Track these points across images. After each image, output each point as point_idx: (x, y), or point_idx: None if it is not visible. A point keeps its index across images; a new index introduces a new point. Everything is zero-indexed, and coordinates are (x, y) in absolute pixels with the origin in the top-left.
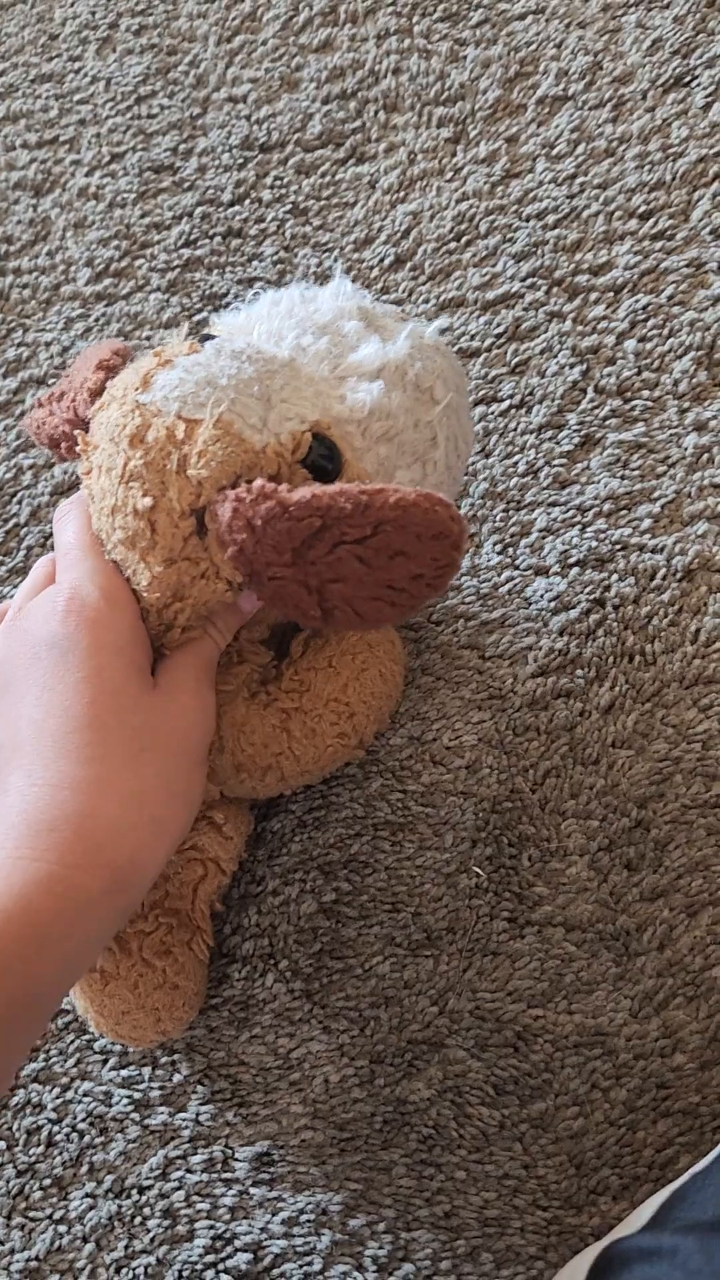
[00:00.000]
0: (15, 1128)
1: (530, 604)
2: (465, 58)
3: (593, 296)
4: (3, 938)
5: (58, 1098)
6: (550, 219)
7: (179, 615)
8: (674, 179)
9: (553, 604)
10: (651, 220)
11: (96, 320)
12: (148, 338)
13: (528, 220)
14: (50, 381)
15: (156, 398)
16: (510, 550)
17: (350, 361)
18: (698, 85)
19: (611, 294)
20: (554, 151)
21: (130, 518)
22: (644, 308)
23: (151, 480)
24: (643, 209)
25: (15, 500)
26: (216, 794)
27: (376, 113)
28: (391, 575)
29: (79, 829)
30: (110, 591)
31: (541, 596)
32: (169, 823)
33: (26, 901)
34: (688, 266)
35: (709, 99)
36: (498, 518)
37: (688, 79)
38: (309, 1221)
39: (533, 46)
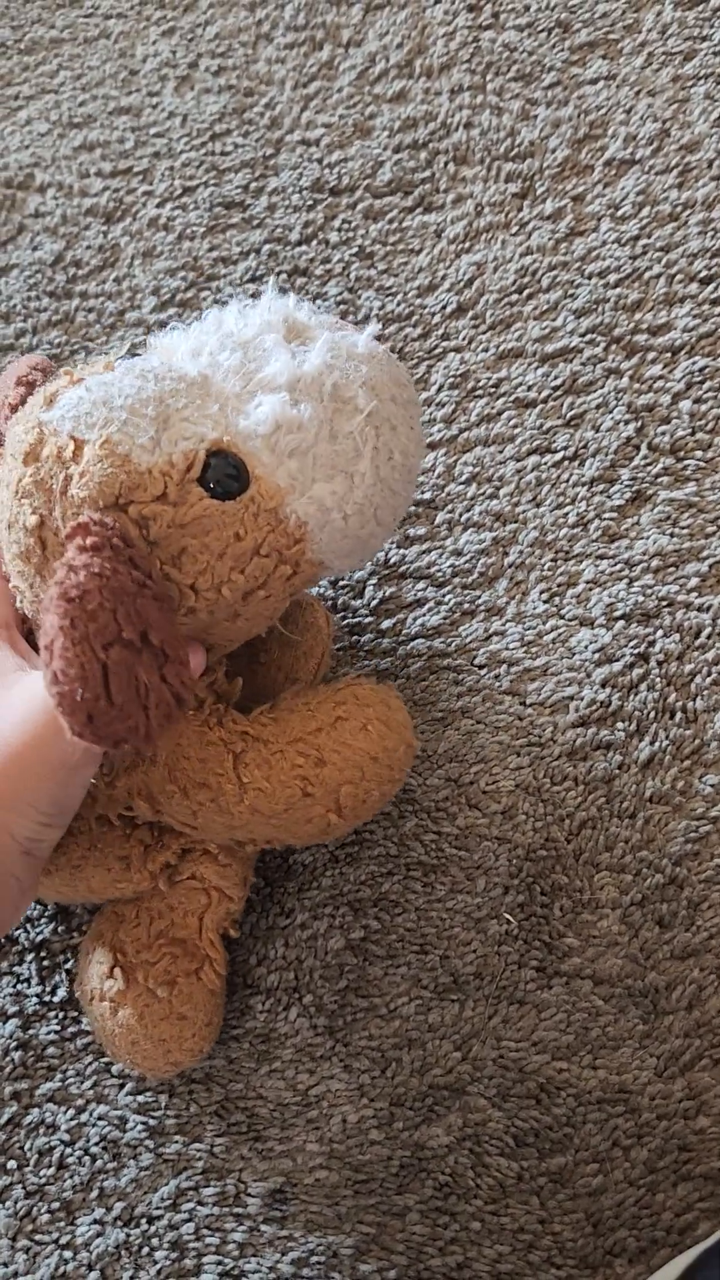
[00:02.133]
0: (27, 1147)
1: (574, 654)
2: (536, 117)
3: (650, 356)
4: None
5: (72, 1119)
6: (612, 278)
7: None
8: None
9: (596, 655)
10: (712, 285)
11: (131, 348)
12: None
13: (590, 278)
14: None
15: (55, 416)
16: (556, 600)
17: (261, 376)
18: None
19: (669, 354)
20: (619, 213)
21: (22, 533)
22: (701, 370)
23: (40, 498)
24: (704, 274)
25: None
26: (149, 811)
27: (446, 164)
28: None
29: None
30: None
31: (586, 647)
32: (12, 825)
33: None
34: None
35: None
36: (546, 566)
37: None
38: (319, 1264)
39: (603, 110)
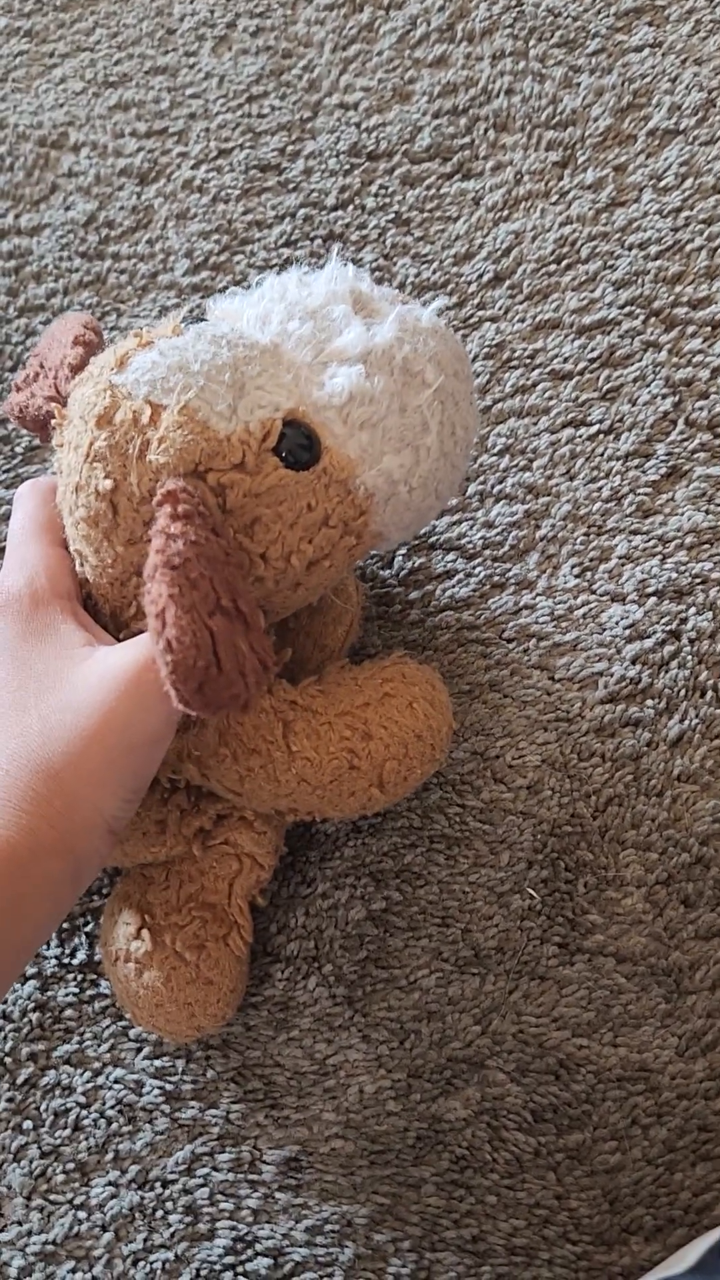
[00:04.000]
0: (43, 1108)
1: (604, 630)
2: (579, 84)
3: (690, 330)
4: None
5: (89, 1082)
6: (653, 250)
7: (139, 590)
8: None
9: (627, 632)
10: None
11: (191, 311)
12: None
13: (630, 249)
14: None
15: (129, 380)
16: (588, 574)
17: (334, 346)
18: None
19: (709, 329)
20: (661, 184)
21: (93, 497)
22: None
23: (114, 463)
24: None
25: None
26: (196, 775)
27: (486, 131)
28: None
29: None
30: (34, 579)
31: (617, 623)
32: (86, 798)
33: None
34: None
35: None
36: (578, 541)
37: None
38: (333, 1232)
39: (647, 79)
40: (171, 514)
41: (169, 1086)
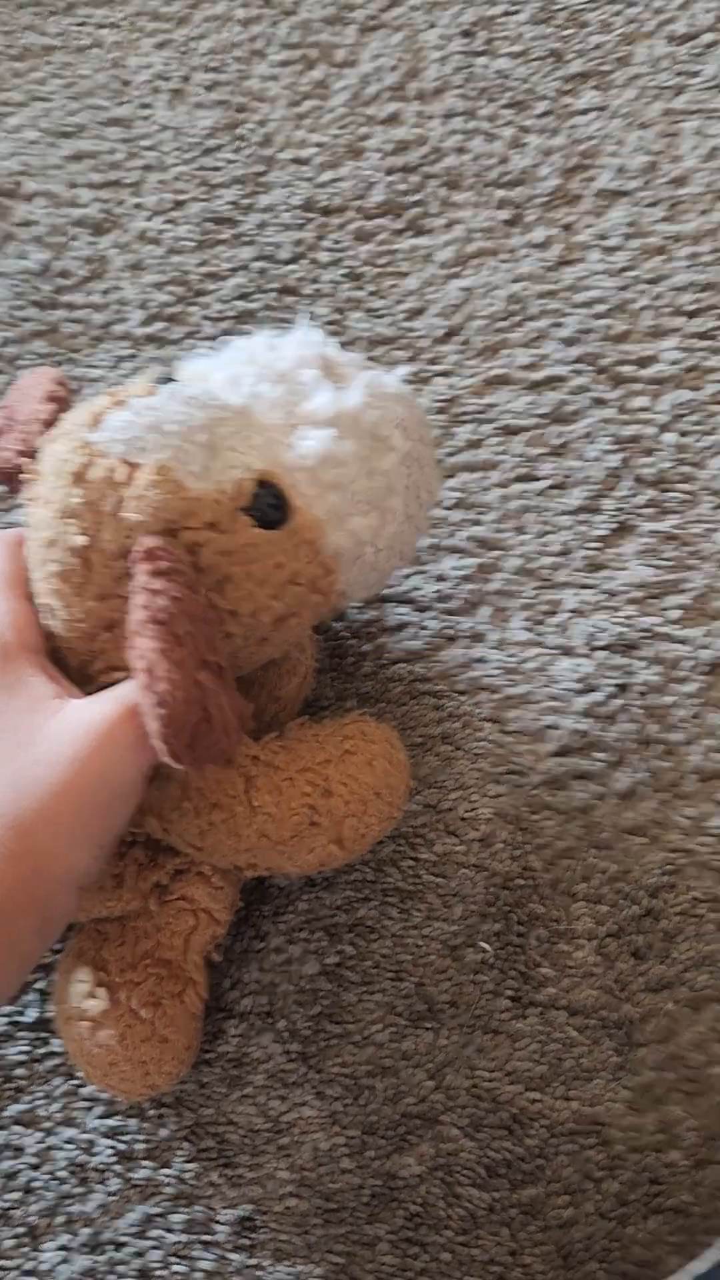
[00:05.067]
0: None
1: (555, 683)
2: (528, 145)
3: (636, 387)
4: None
5: (40, 1142)
6: (600, 308)
7: (108, 644)
8: None
9: (577, 685)
10: (698, 319)
11: (145, 361)
12: None
13: (577, 307)
14: None
15: (103, 438)
16: (539, 628)
17: (304, 410)
18: None
19: (655, 386)
20: (608, 243)
21: (66, 553)
22: (685, 403)
23: (88, 519)
24: (690, 307)
25: None
26: (157, 829)
27: (437, 188)
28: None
29: None
30: (2, 636)
31: (567, 676)
32: (58, 854)
33: None
34: None
35: None
36: (529, 594)
37: None
38: None
39: (594, 141)
40: (153, 571)
41: (121, 1146)
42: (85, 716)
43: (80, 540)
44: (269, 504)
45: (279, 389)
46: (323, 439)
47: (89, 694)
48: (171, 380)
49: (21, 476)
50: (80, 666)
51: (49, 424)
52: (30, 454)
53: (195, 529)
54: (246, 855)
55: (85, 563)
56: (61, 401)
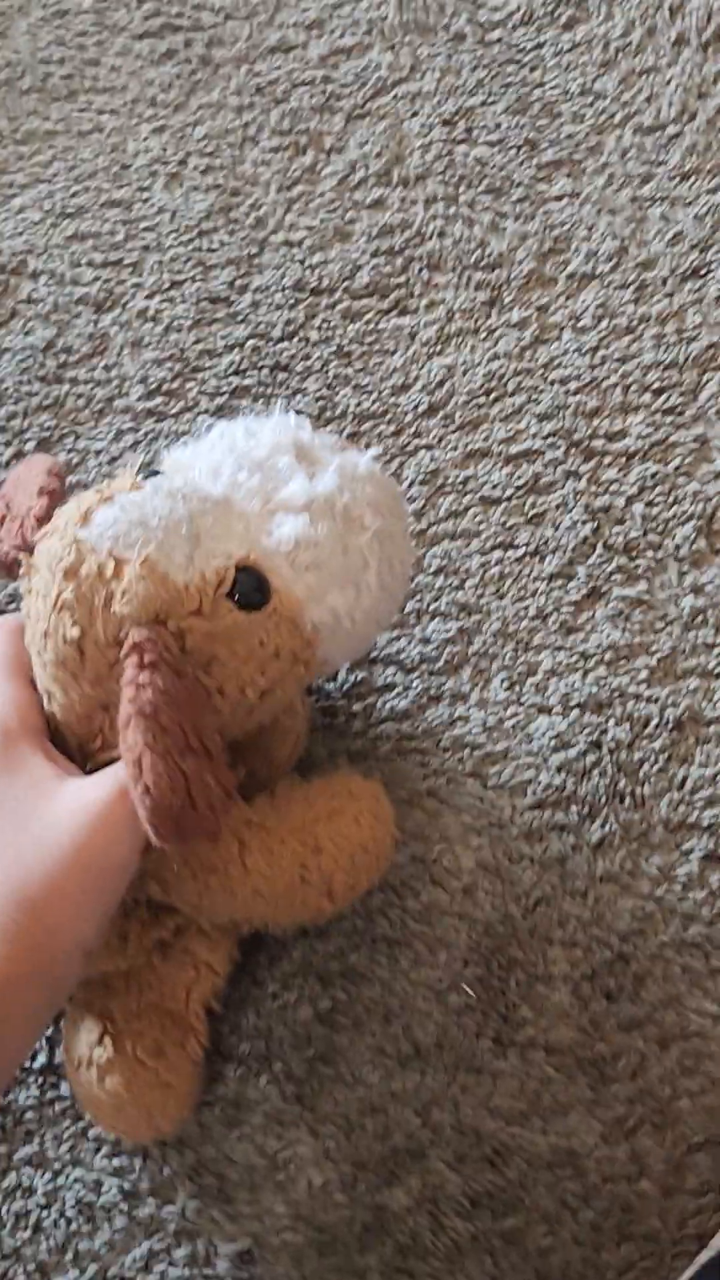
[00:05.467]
0: (4, 1211)
1: (532, 740)
2: (505, 229)
3: (607, 460)
4: None
5: (49, 1183)
6: (573, 385)
7: (104, 724)
8: (686, 360)
9: (553, 742)
10: (664, 396)
11: (145, 435)
12: None
13: (552, 384)
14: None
15: (92, 534)
16: (517, 688)
17: (280, 497)
18: (713, 278)
19: (624, 460)
20: (580, 324)
21: (61, 643)
22: (653, 476)
23: (81, 612)
24: (657, 385)
25: None
26: (158, 892)
27: (420, 270)
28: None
29: None
30: (5, 720)
31: (543, 734)
32: (62, 928)
33: None
34: (694, 442)
35: None
36: (507, 656)
37: (704, 271)
38: None
39: (566, 226)
40: (139, 664)
41: (127, 1185)
42: (85, 797)
43: (74, 632)
44: (251, 587)
45: (256, 477)
46: (298, 524)
47: (89, 770)
48: (156, 472)
49: (19, 571)
50: (80, 745)
51: (43, 520)
52: (27, 548)
53: (181, 616)
54: (242, 913)
55: (80, 652)
56: (54, 495)
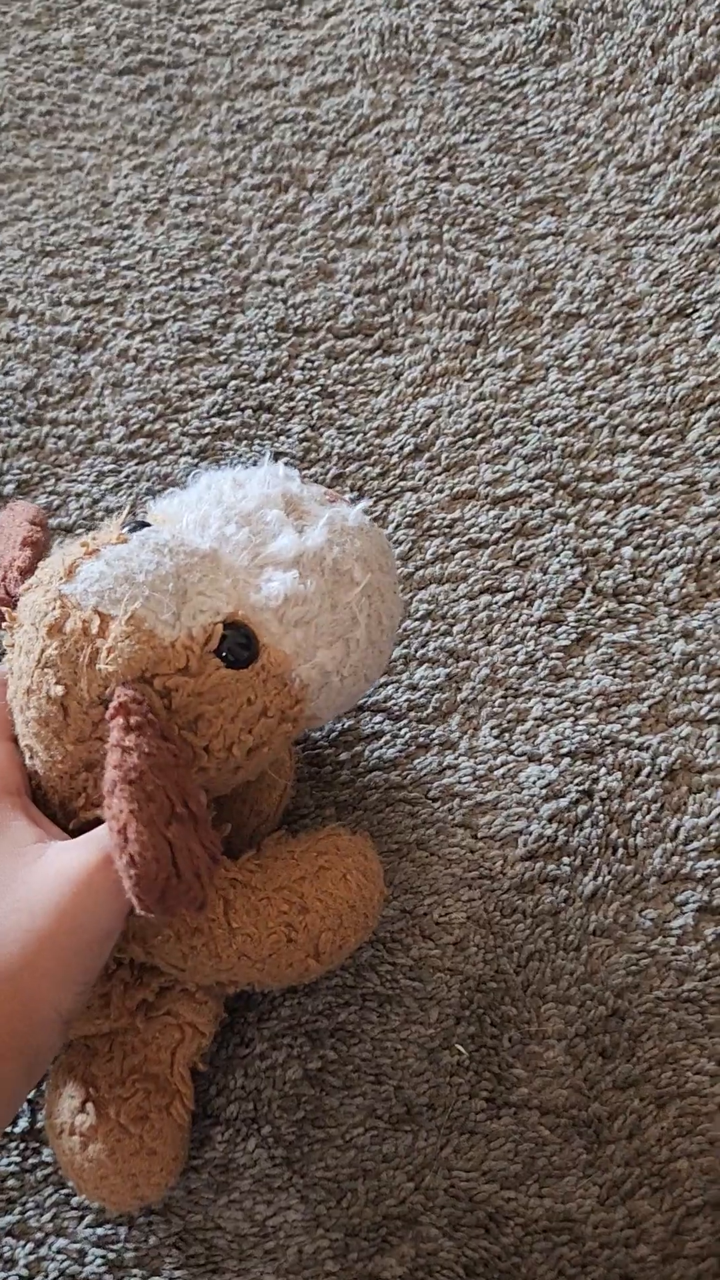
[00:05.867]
0: None
1: (523, 789)
2: (489, 268)
3: (595, 502)
4: None
5: (31, 1253)
6: (559, 426)
7: (88, 783)
8: (674, 401)
9: (544, 791)
10: (651, 437)
11: (127, 476)
12: None
13: (539, 425)
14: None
15: (78, 589)
16: (506, 735)
17: (269, 552)
18: (698, 317)
19: (612, 502)
20: (566, 364)
21: (44, 701)
22: (641, 518)
23: (65, 669)
24: (644, 426)
25: None
26: (141, 954)
27: (405, 310)
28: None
29: None
30: None
31: (534, 783)
32: (41, 995)
33: None
34: (682, 483)
35: (708, 330)
36: (496, 703)
37: (690, 310)
38: None
39: (551, 265)
40: (125, 726)
41: (111, 1255)
42: (65, 863)
43: (58, 690)
44: (238, 644)
45: (244, 531)
46: (286, 580)
47: (72, 829)
48: (142, 524)
49: (2, 625)
50: (62, 804)
51: (26, 571)
52: (10, 602)
53: (167, 675)
54: (227, 974)
55: (63, 710)
56: (37, 546)
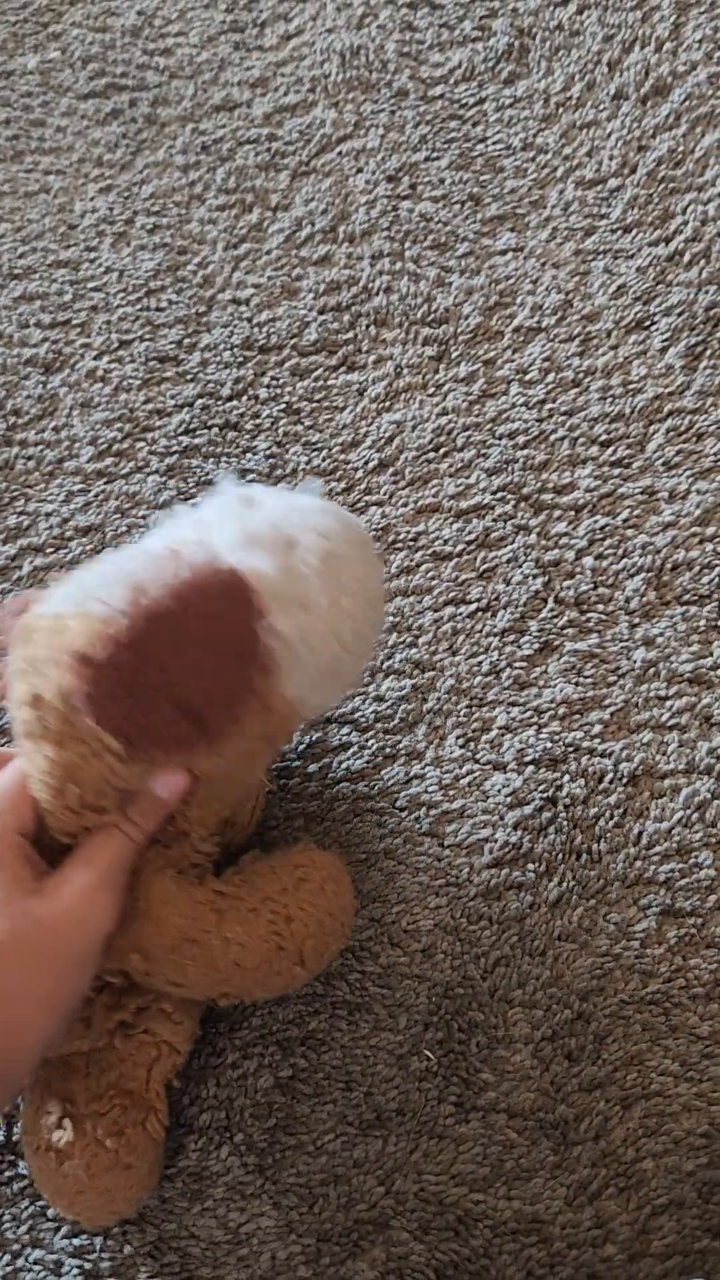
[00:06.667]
0: None
1: (488, 797)
2: (451, 284)
3: (556, 514)
4: None
5: (8, 1265)
6: (520, 439)
7: (81, 798)
8: (633, 412)
9: (509, 799)
10: (611, 448)
11: (96, 496)
12: (144, 517)
13: (500, 439)
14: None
15: (47, 608)
16: (471, 745)
17: (214, 538)
18: (656, 329)
19: (573, 513)
20: (526, 377)
21: (23, 708)
22: (602, 528)
23: (35, 674)
24: (604, 437)
25: None
26: (140, 965)
27: (368, 326)
28: (222, 642)
29: None
30: None
31: (499, 791)
32: (33, 1024)
33: None
34: (642, 493)
35: (665, 343)
36: (461, 713)
37: (648, 323)
38: None
39: (511, 280)
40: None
41: (88, 1265)
42: (59, 898)
43: (30, 694)
44: None
45: (195, 533)
46: (236, 559)
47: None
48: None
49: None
50: (60, 825)
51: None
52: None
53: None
54: (221, 986)
55: (39, 715)
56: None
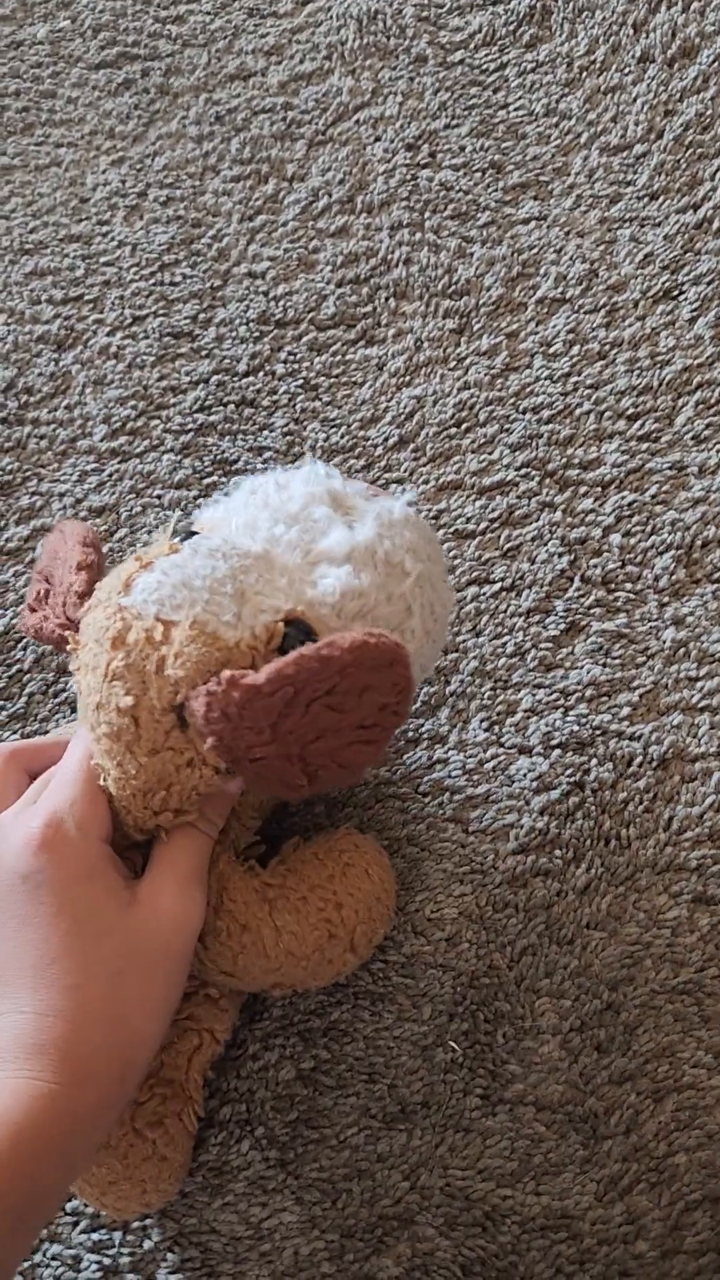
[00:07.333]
0: None
1: (513, 782)
2: (472, 255)
3: (582, 490)
4: (16, 1149)
5: (25, 1260)
6: (545, 414)
7: (166, 801)
8: (661, 385)
9: (535, 784)
10: (639, 422)
11: (110, 475)
12: (159, 496)
13: (524, 413)
14: None
15: (136, 601)
16: (496, 728)
17: (320, 548)
18: (684, 299)
19: (600, 489)
20: (551, 350)
21: (114, 714)
22: (629, 504)
23: (133, 680)
24: (631, 411)
25: (20, 647)
26: (198, 961)
27: (387, 299)
28: (362, 713)
29: (66, 1053)
30: (83, 821)
31: (525, 775)
32: (149, 1035)
33: (33, 1116)
34: (671, 469)
35: (694, 313)
36: (485, 695)
37: (675, 293)
38: None
39: (534, 250)
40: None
41: (107, 1260)
42: (157, 905)
43: (127, 701)
44: (299, 641)
45: (294, 530)
46: (342, 575)
47: (145, 843)
48: (192, 533)
49: (67, 648)
50: (136, 824)
51: (84, 595)
52: (71, 625)
53: None
54: (275, 975)
55: (134, 721)
56: (92, 568)
